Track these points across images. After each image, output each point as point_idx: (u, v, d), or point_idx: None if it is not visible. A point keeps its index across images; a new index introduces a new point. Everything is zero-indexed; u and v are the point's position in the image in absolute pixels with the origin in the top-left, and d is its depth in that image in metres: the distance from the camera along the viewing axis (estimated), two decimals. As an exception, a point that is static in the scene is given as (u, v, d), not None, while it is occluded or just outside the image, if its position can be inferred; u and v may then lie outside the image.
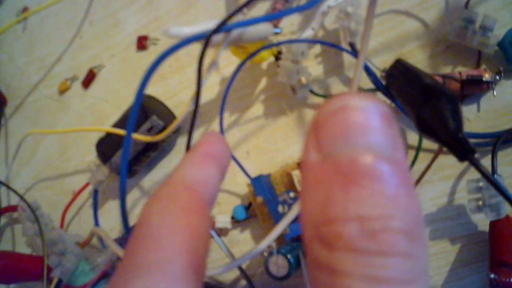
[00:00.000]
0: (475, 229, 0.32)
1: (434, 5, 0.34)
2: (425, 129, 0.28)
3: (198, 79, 0.31)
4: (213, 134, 0.23)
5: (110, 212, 0.44)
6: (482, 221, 0.32)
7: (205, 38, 0.29)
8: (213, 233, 0.37)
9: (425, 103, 0.27)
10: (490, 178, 0.25)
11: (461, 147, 0.25)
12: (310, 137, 0.15)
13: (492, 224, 0.30)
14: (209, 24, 0.30)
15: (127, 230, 0.32)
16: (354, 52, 0.34)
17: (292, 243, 0.33)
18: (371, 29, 0.28)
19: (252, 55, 0.33)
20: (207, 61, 0.32)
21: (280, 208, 0.34)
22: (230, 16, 0.29)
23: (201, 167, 0.21)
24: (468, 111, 0.33)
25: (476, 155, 0.32)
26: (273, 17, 0.32)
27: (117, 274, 0.17)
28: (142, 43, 0.44)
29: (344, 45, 0.35)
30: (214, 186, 0.20)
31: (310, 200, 0.14)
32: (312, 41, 0.36)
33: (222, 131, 0.36)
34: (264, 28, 0.34)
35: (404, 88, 0.30)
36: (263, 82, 0.39)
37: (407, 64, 0.31)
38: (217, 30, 0.28)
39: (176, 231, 0.18)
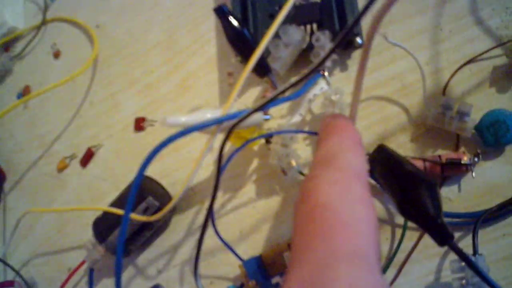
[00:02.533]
0: (462, 308, 0.33)
1: (413, 92, 0.37)
2: (406, 215, 0.29)
3: (218, 166, 0.33)
4: (347, 120, 0.26)
5: (105, 291, 0.44)
6: (469, 300, 0.32)
7: (228, 129, 0.31)
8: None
9: (406, 190, 0.29)
10: (469, 262, 0.26)
11: (440, 233, 0.27)
12: None
13: (478, 303, 0.31)
14: (204, 114, 0.33)
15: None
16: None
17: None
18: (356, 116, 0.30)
19: (246, 143, 0.35)
20: (201, 144, 0.34)
21: (273, 291, 0.34)
22: (259, 107, 0.31)
23: (362, 157, 0.23)
24: (450, 192, 0.35)
25: (455, 238, 0.33)
26: (264, 108, 0.35)
27: (307, 257, 0.17)
28: (139, 124, 0.46)
29: (330, 130, 0.37)
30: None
31: None
32: (299, 131, 0.38)
33: (212, 213, 0.37)
34: (255, 116, 0.36)
35: (386, 173, 0.32)
36: (254, 163, 0.41)
37: (389, 150, 0.33)
38: (240, 121, 0.31)
39: (363, 222, 0.19)
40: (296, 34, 0.37)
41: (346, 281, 0.16)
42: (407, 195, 0.29)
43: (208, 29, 0.46)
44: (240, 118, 0.30)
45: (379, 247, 0.18)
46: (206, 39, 0.46)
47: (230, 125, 0.32)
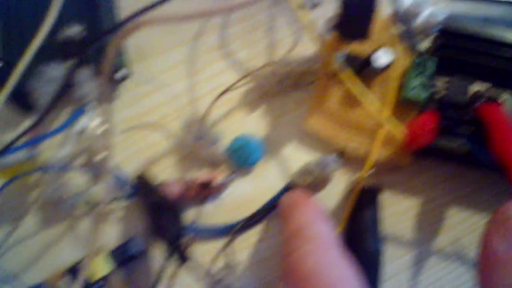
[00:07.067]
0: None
1: (175, 119, 0.40)
2: (158, 238, 0.33)
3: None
4: (304, 194, 0.31)
5: None
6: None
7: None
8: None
9: (153, 218, 0.33)
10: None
11: (180, 255, 0.31)
12: (497, 230, 0.23)
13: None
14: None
15: None
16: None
17: None
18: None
19: (10, 181, 0.36)
20: None
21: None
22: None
23: (327, 224, 0.27)
24: (213, 207, 0.39)
25: (218, 249, 0.38)
26: (25, 145, 0.36)
27: None
28: None
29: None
30: None
31: (496, 278, 0.21)
32: (55, 167, 0.38)
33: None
34: (21, 154, 0.37)
35: (142, 202, 0.35)
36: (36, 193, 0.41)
37: (144, 180, 0.36)
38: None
39: (344, 280, 0.22)
40: (54, 72, 0.38)
41: None
42: (154, 223, 0.33)
43: None
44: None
45: None
46: None
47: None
